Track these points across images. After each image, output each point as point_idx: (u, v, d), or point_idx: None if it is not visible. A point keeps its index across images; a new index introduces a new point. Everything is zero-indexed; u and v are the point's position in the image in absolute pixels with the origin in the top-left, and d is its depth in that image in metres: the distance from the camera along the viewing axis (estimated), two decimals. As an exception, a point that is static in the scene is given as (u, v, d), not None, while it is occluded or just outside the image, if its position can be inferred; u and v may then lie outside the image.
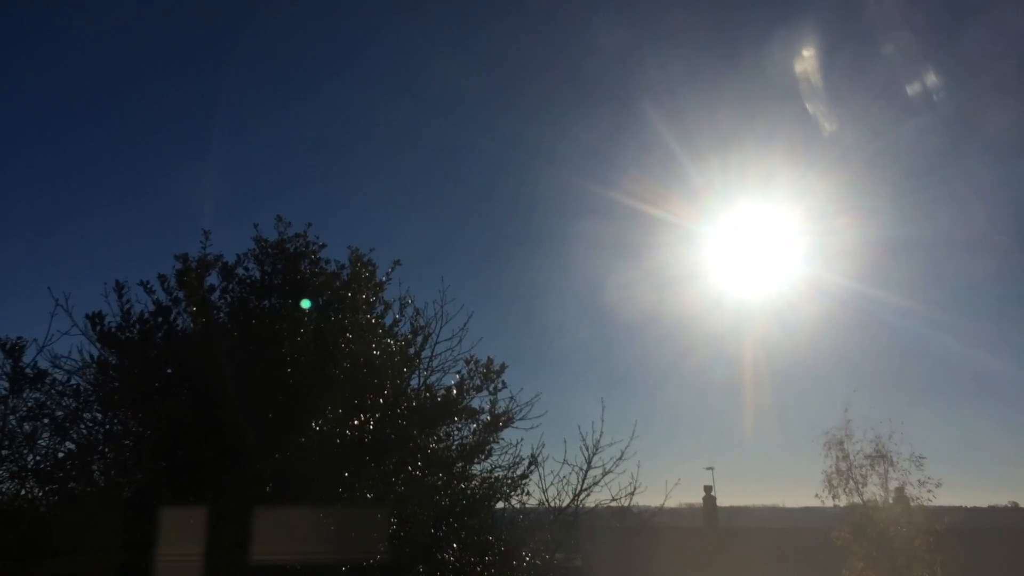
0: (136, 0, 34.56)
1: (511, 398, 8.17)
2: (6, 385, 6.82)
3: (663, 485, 9.09)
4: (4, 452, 6.82)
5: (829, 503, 22.68)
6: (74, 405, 7.16)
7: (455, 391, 7.84)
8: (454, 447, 8.10)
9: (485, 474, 8.31)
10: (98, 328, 7.07)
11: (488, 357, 8.04)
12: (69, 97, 37.98)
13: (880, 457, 22.11)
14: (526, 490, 8.34)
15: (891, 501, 21.89)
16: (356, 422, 7.12)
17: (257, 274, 7.90)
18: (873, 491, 22.16)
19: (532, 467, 8.31)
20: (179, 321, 7.37)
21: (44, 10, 32.36)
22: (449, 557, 7.19)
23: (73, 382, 7.15)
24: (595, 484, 8.62)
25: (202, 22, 38.34)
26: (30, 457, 6.92)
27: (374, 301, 8.26)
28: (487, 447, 8.09)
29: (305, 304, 7.26)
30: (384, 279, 8.32)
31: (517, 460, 8.35)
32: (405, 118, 44.88)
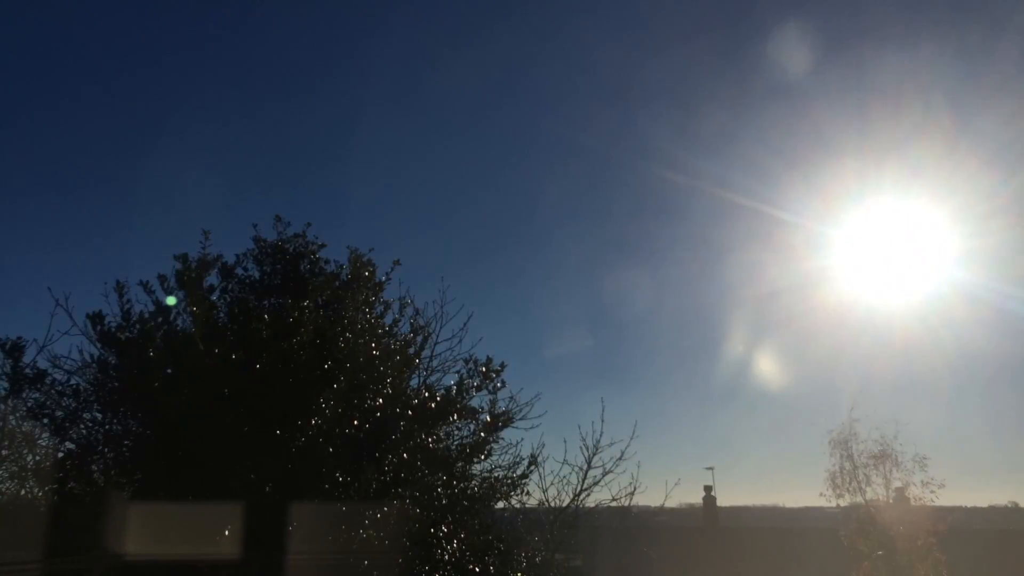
0: None
1: (511, 398, 8.18)
2: (6, 385, 6.84)
3: (663, 485, 9.12)
4: (4, 452, 6.83)
5: (833, 502, 22.70)
6: (74, 405, 7.17)
7: (455, 391, 7.83)
8: (454, 447, 8.10)
9: (485, 474, 8.31)
10: (98, 328, 7.08)
11: (488, 356, 8.05)
12: (69, 96, 37.99)
13: (884, 457, 22.10)
14: (526, 490, 8.35)
15: (892, 501, 21.89)
16: (356, 422, 7.12)
17: (256, 274, 7.91)
18: (876, 491, 22.17)
19: (532, 467, 8.32)
20: (179, 321, 7.37)
21: (42, 8, 32.36)
22: (449, 557, 7.18)
23: (73, 382, 7.17)
24: (595, 484, 8.64)
25: (205, 21, 38.35)
26: (30, 457, 6.92)
27: (374, 301, 8.27)
28: (487, 447, 8.08)
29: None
30: (384, 279, 8.33)
31: (517, 460, 8.37)
32: (406, 117, 44.89)
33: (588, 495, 8.63)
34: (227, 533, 6.27)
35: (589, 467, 8.60)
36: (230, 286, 7.76)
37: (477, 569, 7.34)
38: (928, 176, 27.70)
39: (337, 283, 7.87)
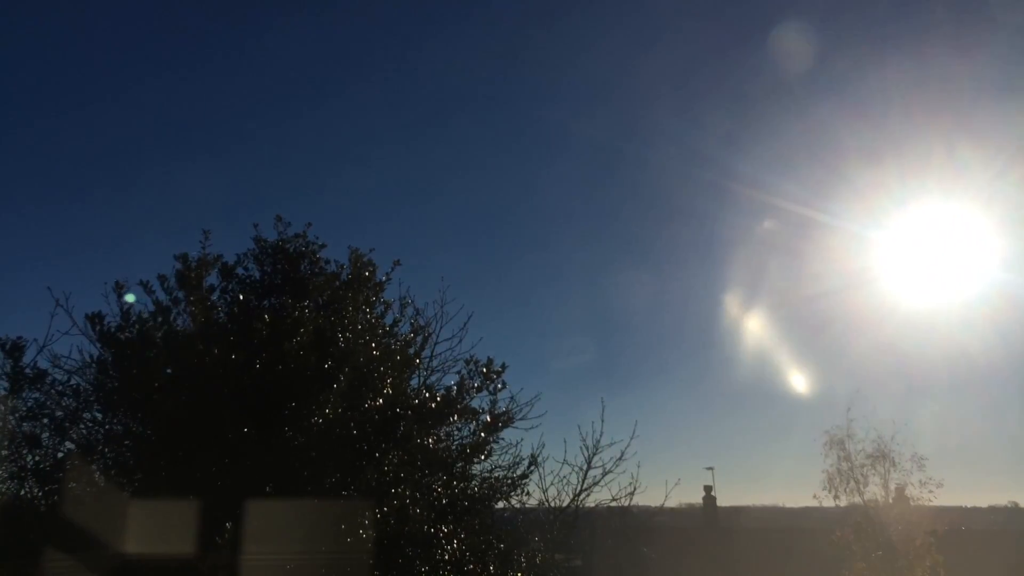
0: None
1: (511, 398, 8.17)
2: (6, 385, 6.84)
3: (663, 485, 9.09)
4: (4, 452, 6.83)
5: (828, 503, 22.73)
6: (74, 405, 7.17)
7: (455, 391, 7.83)
8: (454, 447, 8.09)
9: (485, 474, 8.30)
10: (98, 328, 7.07)
11: (488, 357, 8.04)
12: (69, 96, 38.00)
13: (882, 457, 22.13)
14: (526, 490, 8.34)
15: (891, 501, 21.92)
16: (356, 422, 7.12)
17: (257, 274, 7.91)
18: (874, 491, 22.20)
19: (532, 467, 8.31)
20: (179, 321, 7.37)
21: (44, 8, 32.36)
22: (449, 557, 7.19)
23: (73, 382, 7.16)
24: (595, 484, 8.62)
25: (209, 21, 38.37)
26: (30, 457, 6.92)
27: (374, 301, 8.27)
28: (487, 447, 8.08)
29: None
30: (384, 279, 8.33)
31: (517, 460, 8.35)
32: (409, 117, 44.89)
33: (588, 495, 8.63)
34: (227, 533, 6.27)
35: (589, 467, 8.59)
36: (230, 286, 7.76)
37: (477, 569, 7.34)
38: (973, 178, 27.47)
39: (337, 283, 7.87)
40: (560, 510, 8.60)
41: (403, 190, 48.95)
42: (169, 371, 7.14)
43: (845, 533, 21.63)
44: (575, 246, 51.78)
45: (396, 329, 8.44)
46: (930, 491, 21.42)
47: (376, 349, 7.63)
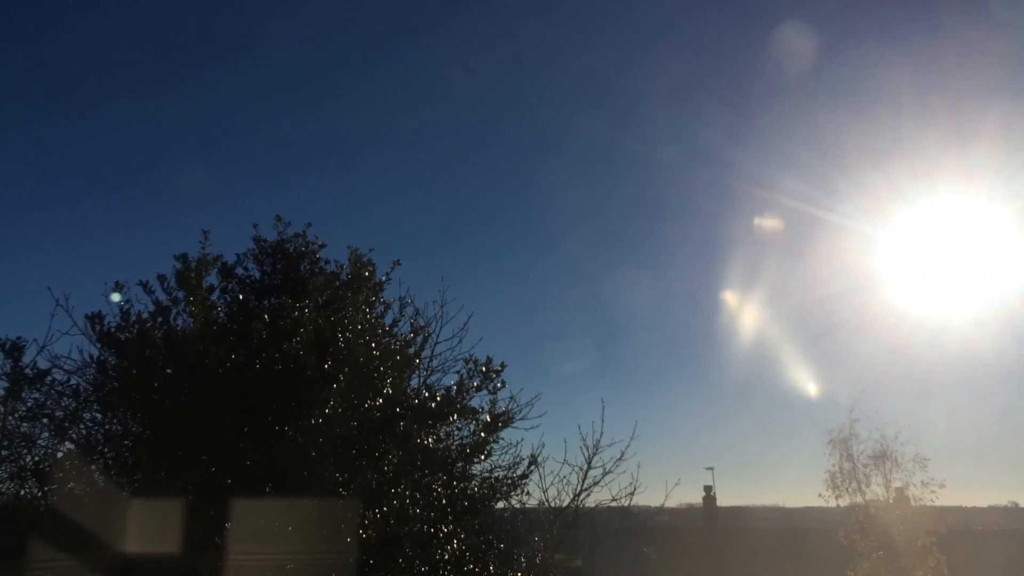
0: None
1: (511, 398, 8.17)
2: (6, 385, 6.84)
3: (663, 485, 9.10)
4: (4, 452, 6.83)
5: (832, 503, 22.70)
6: (74, 405, 7.17)
7: (455, 391, 7.83)
8: (454, 447, 8.09)
9: (485, 474, 8.30)
10: (98, 328, 7.07)
11: (488, 356, 8.04)
12: (68, 96, 38.01)
13: (884, 457, 22.09)
14: (526, 490, 8.33)
15: (892, 501, 21.89)
16: (355, 422, 7.11)
17: (256, 274, 7.92)
18: (876, 491, 22.17)
19: (532, 467, 8.30)
20: (178, 321, 7.36)
21: (44, 8, 32.37)
22: (449, 556, 7.18)
23: (73, 382, 7.17)
24: (595, 484, 8.62)
25: (208, 21, 38.36)
26: (29, 457, 6.92)
27: (374, 301, 8.27)
28: (487, 447, 8.07)
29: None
30: (384, 279, 8.33)
31: (517, 460, 8.34)
32: (409, 117, 44.89)
33: (588, 495, 8.62)
34: (226, 533, 6.27)
35: (589, 467, 8.59)
36: (230, 286, 7.76)
37: (477, 569, 7.34)
38: (985, 179, 27.23)
39: (337, 283, 7.86)
40: (560, 510, 8.59)
41: (403, 190, 48.98)
42: (169, 371, 7.13)
43: (848, 533, 21.60)
44: (576, 245, 51.79)
45: (396, 329, 8.45)
46: (932, 491, 21.39)
47: (376, 349, 7.62)
